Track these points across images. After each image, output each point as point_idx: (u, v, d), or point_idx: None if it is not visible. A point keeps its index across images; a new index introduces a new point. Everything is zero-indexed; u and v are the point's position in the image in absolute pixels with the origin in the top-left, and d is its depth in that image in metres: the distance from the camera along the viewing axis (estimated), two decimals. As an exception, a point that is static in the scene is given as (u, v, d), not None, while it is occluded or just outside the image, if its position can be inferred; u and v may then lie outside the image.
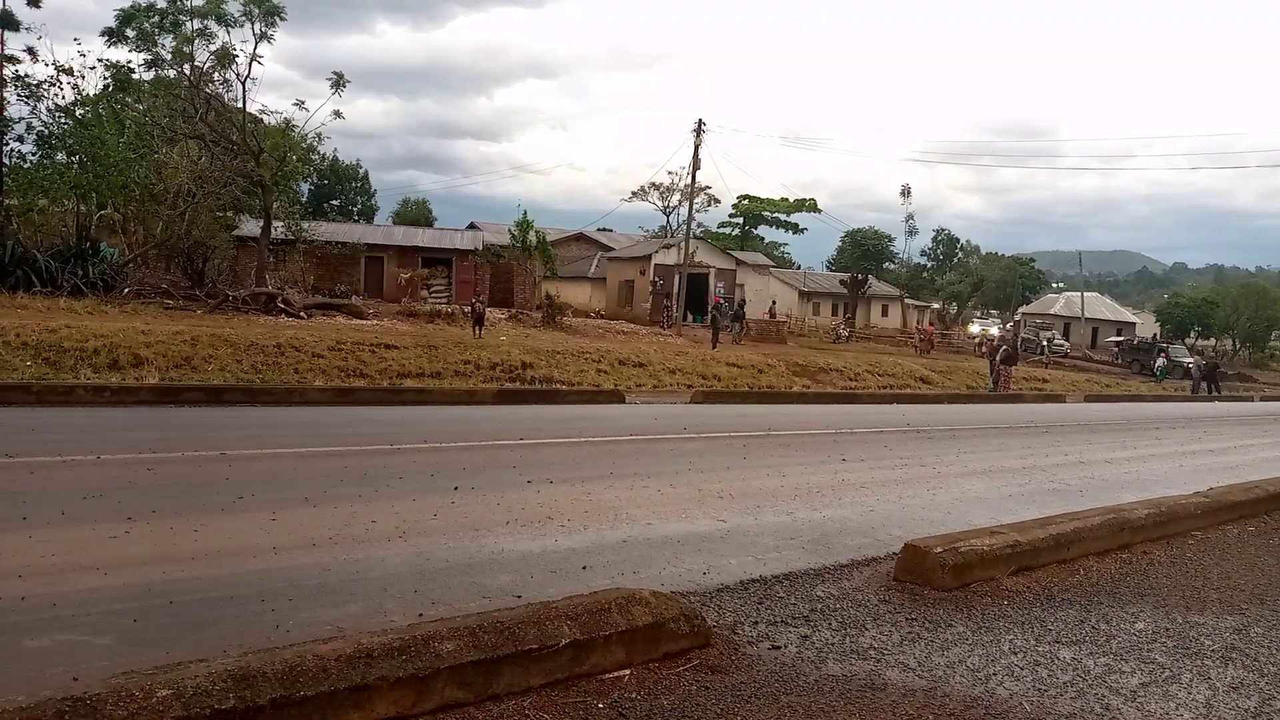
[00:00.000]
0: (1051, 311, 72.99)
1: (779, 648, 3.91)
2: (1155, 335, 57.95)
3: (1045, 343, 55.07)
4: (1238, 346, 69.05)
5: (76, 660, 3.32)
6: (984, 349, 37.13)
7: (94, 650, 3.46)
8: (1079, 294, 72.60)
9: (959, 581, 4.87)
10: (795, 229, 75.73)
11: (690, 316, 43.29)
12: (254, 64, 27.57)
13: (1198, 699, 3.62)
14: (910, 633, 4.20)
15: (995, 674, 3.76)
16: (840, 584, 4.91)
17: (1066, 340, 60.84)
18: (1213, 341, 67.73)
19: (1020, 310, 77.82)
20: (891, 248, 78.00)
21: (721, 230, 74.19)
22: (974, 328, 60.24)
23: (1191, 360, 41.24)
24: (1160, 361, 45.52)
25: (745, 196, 73.26)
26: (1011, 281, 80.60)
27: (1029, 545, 5.37)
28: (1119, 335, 66.86)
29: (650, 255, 47.34)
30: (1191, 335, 65.68)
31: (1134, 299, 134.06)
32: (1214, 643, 4.32)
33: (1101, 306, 76.39)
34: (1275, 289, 77.37)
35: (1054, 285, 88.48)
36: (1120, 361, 51.53)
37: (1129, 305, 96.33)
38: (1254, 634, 4.49)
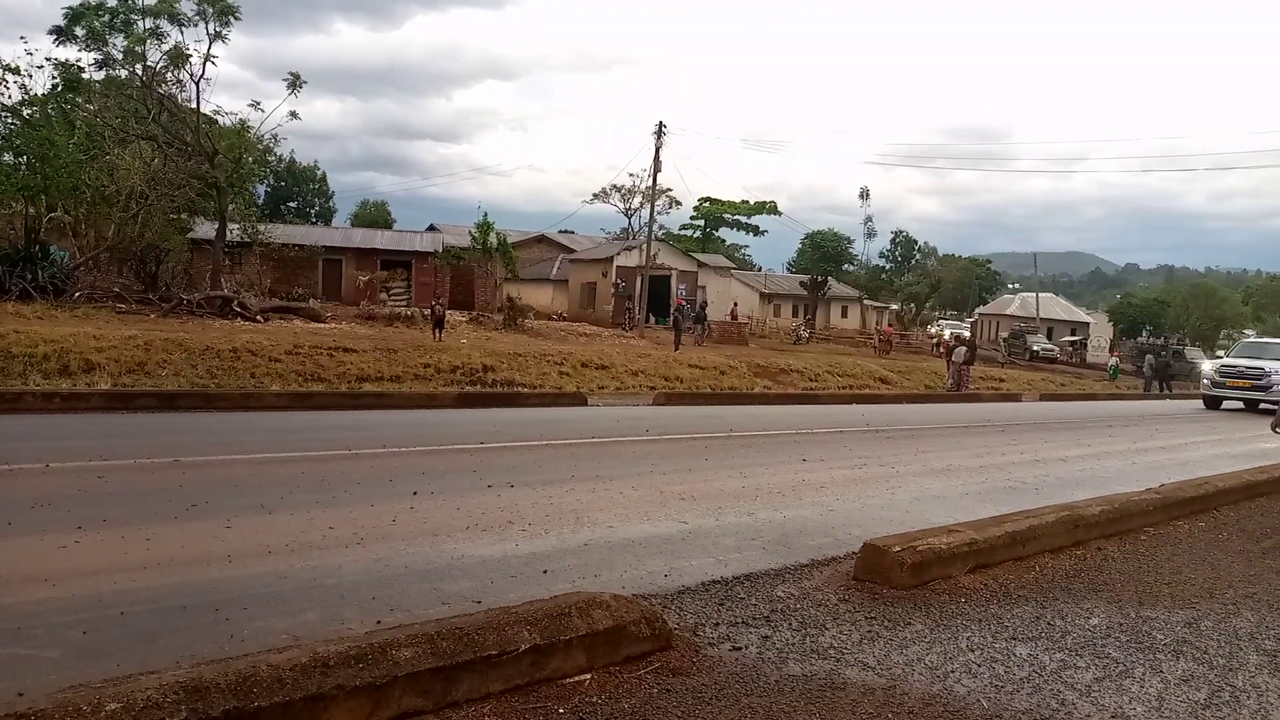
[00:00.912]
0: (1007, 312, 74.18)
1: (740, 649, 3.91)
2: (1165, 338, 57.81)
3: (1036, 348, 54.49)
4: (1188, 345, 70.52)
5: (23, 674, 3.24)
6: (941, 349, 37.58)
7: (41, 664, 3.38)
8: (1034, 295, 73.81)
9: (917, 580, 4.92)
10: (756, 231, 76.32)
11: (652, 318, 43.36)
12: (208, 64, 27.13)
13: (1150, 692, 3.69)
14: (870, 631, 4.23)
15: (953, 671, 3.79)
16: (801, 584, 4.94)
17: (1081, 348, 60.22)
18: (1162, 340, 69.07)
19: (977, 311, 78.99)
20: (851, 250, 78.67)
21: (683, 232, 74.43)
22: (946, 332, 60.20)
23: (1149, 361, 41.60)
24: (1112, 361, 46.38)
25: (706, 199, 73.60)
26: (968, 283, 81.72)
27: (986, 543, 5.44)
28: (1073, 335, 68.06)
29: (612, 257, 47.36)
30: (1143, 334, 67.04)
31: (1087, 299, 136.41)
32: (1166, 636, 4.40)
33: (1056, 307, 77.80)
34: (1223, 289, 79.35)
35: (1010, 286, 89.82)
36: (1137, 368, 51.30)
37: (1083, 305, 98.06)
38: (1204, 627, 4.59)
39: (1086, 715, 3.42)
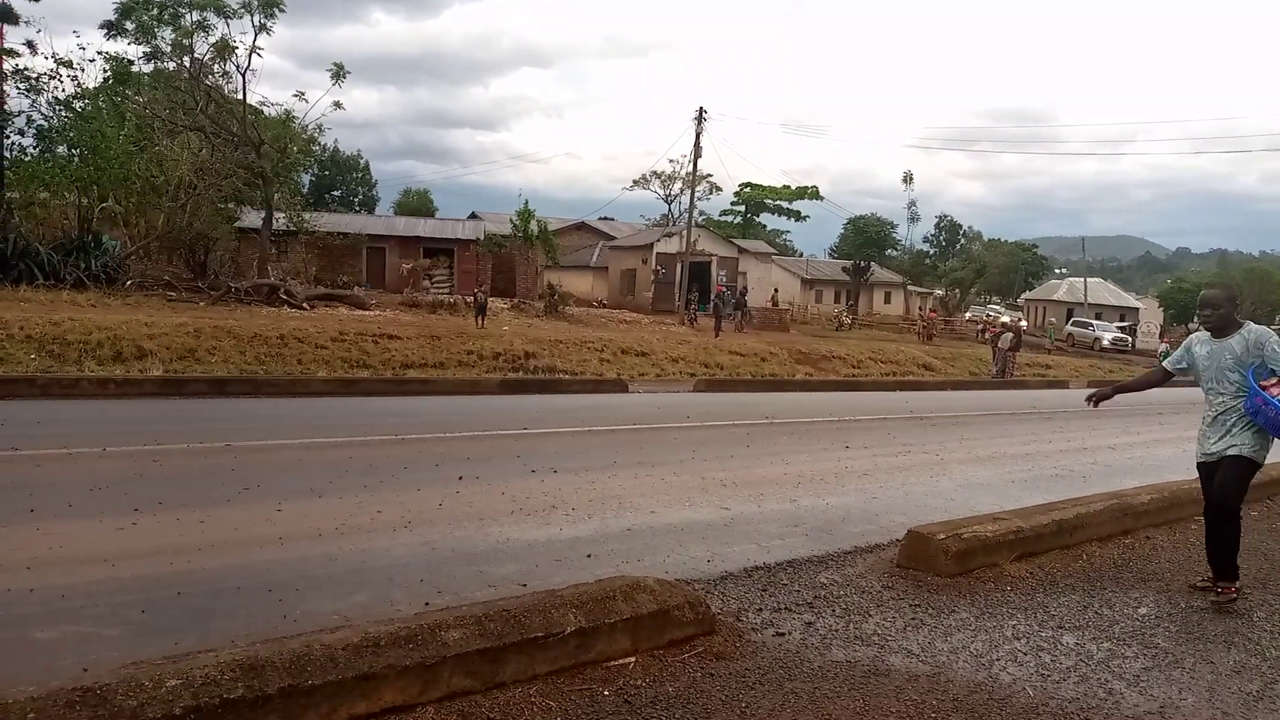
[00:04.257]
0: (1054, 297, 72.84)
1: (783, 634, 3.92)
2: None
3: (1107, 339, 51.55)
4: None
5: (86, 651, 3.35)
6: (987, 335, 37.03)
7: (103, 641, 3.49)
8: (1082, 279, 72.40)
9: (962, 568, 4.89)
10: (797, 216, 75.62)
11: (693, 305, 43.24)
12: (253, 55, 27.47)
13: (1200, 683, 3.64)
14: (914, 619, 4.21)
15: (998, 659, 3.77)
16: (844, 571, 4.93)
17: (1131, 334, 56.79)
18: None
19: (1023, 296, 77.67)
20: (894, 235, 77.70)
21: (723, 218, 74.04)
22: (1004, 316, 57.00)
23: None
24: (1163, 347, 45.38)
25: (747, 184, 73.11)
26: (1014, 267, 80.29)
27: (1032, 531, 5.39)
28: (1122, 320, 66.66)
29: (652, 244, 47.24)
30: (1195, 321, 65.20)
31: (1137, 284, 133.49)
32: (1217, 627, 4.34)
33: (1104, 292, 76.17)
34: (1279, 273, 77.16)
35: (1057, 270, 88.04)
36: None
37: (1132, 290, 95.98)
38: (1256, 618, 4.51)
39: (1135, 705, 3.39)
